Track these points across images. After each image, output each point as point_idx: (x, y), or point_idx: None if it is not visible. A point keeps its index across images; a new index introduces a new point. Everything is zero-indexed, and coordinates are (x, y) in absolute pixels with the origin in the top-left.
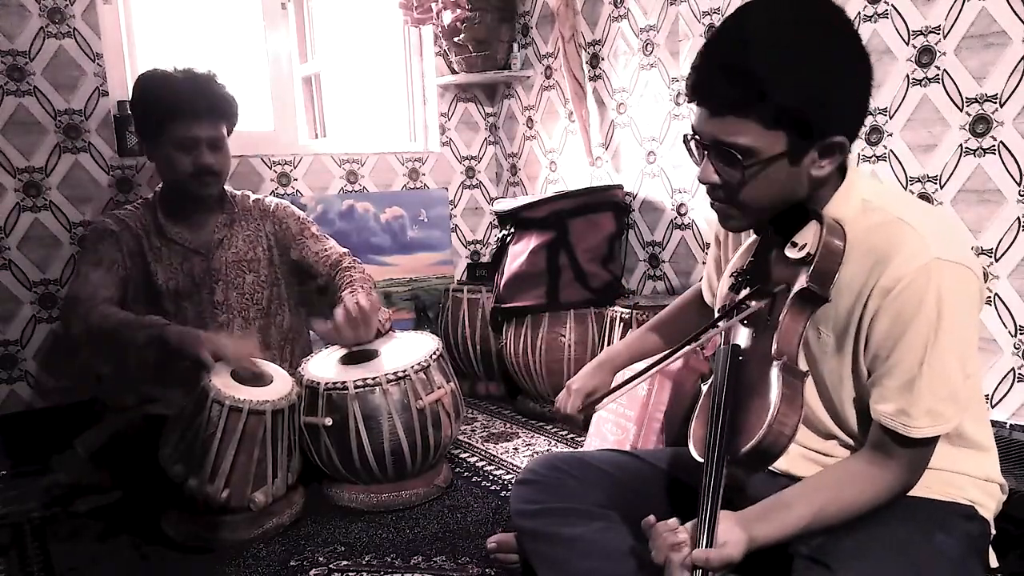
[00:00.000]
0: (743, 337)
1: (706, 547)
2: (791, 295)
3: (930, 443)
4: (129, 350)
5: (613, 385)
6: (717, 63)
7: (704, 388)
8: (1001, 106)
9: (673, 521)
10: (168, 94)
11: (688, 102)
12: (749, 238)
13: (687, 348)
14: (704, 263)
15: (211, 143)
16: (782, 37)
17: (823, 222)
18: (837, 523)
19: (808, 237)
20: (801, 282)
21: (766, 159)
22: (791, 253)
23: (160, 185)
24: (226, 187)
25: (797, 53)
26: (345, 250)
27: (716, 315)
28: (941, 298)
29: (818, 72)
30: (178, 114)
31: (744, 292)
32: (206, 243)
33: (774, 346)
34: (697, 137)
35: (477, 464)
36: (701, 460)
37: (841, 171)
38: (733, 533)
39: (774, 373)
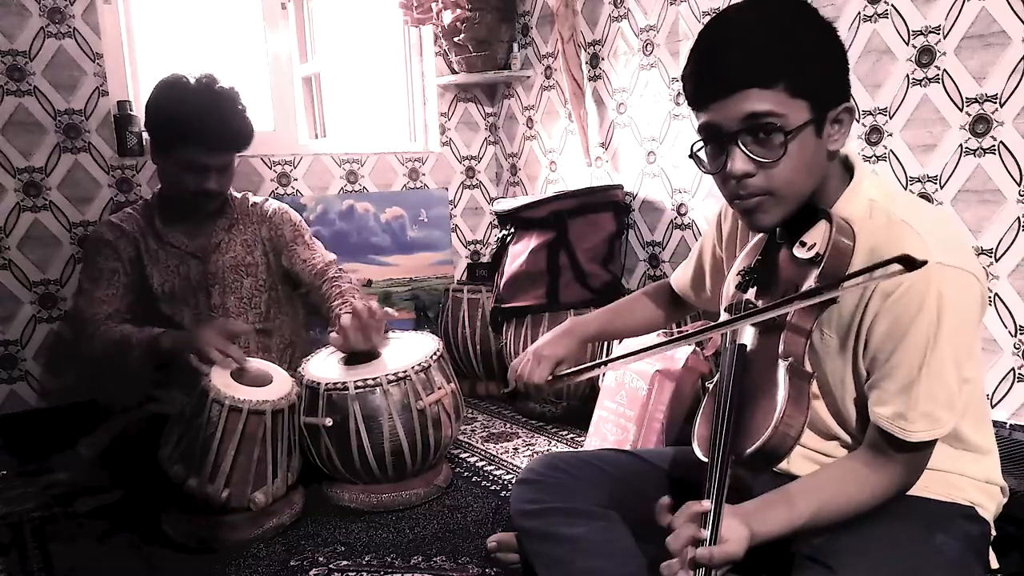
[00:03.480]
0: (749, 336)
1: (710, 546)
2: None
3: (928, 446)
4: (130, 365)
5: (588, 363)
6: (729, 42)
7: (709, 388)
8: (1001, 106)
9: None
10: (188, 115)
11: (694, 103)
12: (755, 237)
13: (677, 340)
14: None
15: (220, 169)
16: (776, 14)
17: (832, 221)
18: (836, 521)
19: (817, 236)
20: (810, 282)
21: (797, 127)
22: (800, 253)
23: (159, 187)
24: None
25: (798, 24)
26: (332, 258)
27: (722, 314)
28: (941, 302)
29: (820, 38)
30: (193, 139)
31: (751, 291)
32: (203, 247)
33: (781, 346)
34: (716, 130)
35: (477, 464)
36: (705, 460)
37: (848, 169)
38: (735, 530)
39: (780, 374)
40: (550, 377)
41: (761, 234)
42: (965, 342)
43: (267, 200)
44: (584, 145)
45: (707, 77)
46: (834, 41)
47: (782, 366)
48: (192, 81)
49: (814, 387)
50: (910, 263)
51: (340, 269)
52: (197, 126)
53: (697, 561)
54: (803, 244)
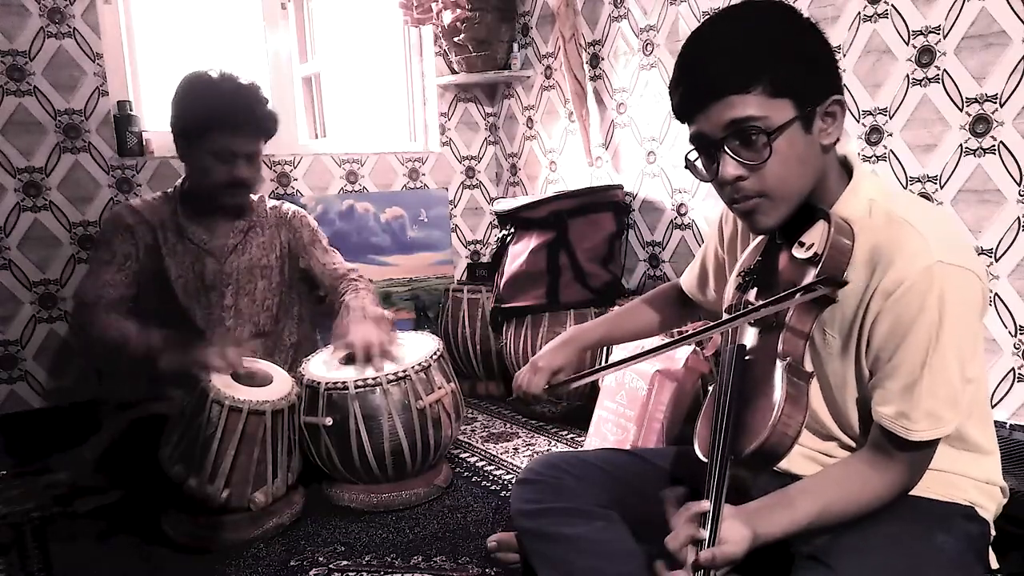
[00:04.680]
0: (749, 337)
1: (710, 547)
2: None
3: (930, 445)
4: (124, 361)
5: (587, 369)
6: (704, 53)
7: (711, 388)
8: (1001, 106)
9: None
10: (214, 103)
11: (680, 116)
12: (756, 239)
13: (675, 343)
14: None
15: (248, 156)
16: (753, 18)
17: (831, 221)
18: (838, 523)
19: (815, 236)
20: (807, 282)
21: (781, 126)
22: (798, 253)
23: (182, 181)
24: None
25: (773, 24)
26: (352, 267)
27: (724, 314)
28: (943, 301)
29: (797, 35)
30: (221, 125)
31: (751, 292)
32: (221, 246)
33: (780, 346)
34: (704, 139)
35: (477, 464)
36: (705, 460)
37: (847, 170)
38: (736, 531)
39: (779, 373)
40: (546, 386)
41: (761, 235)
42: (968, 341)
43: (283, 203)
44: (586, 145)
45: (687, 90)
46: (813, 36)
47: (780, 366)
48: (215, 75)
49: (815, 387)
50: (836, 284)
51: (359, 275)
52: (225, 113)
53: (700, 563)
54: (802, 244)
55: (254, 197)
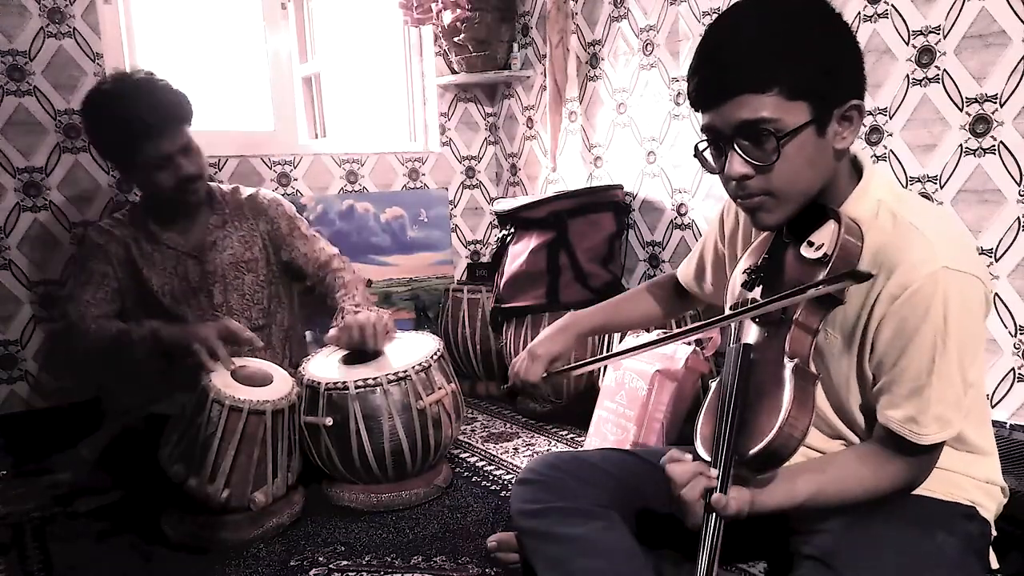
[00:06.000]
0: (753, 335)
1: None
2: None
3: (938, 447)
4: (131, 361)
5: (586, 358)
6: (726, 47)
7: (712, 386)
8: (1001, 106)
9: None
10: (126, 115)
11: (694, 105)
12: (760, 235)
13: (680, 334)
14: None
15: (183, 150)
16: (781, 13)
17: (841, 221)
18: (835, 505)
19: (825, 236)
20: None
21: (795, 129)
22: (807, 252)
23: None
24: (212, 185)
25: (800, 23)
26: (335, 251)
27: (727, 311)
28: (947, 307)
29: (823, 37)
30: (142, 136)
31: (757, 290)
32: (198, 245)
33: (787, 347)
34: (715, 132)
35: (477, 464)
36: (708, 459)
37: (857, 170)
38: (739, 493)
39: (786, 375)
40: (545, 375)
41: (767, 232)
42: (970, 344)
43: (259, 191)
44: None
45: (704, 82)
46: (840, 36)
47: (788, 367)
48: (114, 82)
49: (819, 387)
50: (858, 276)
51: (343, 260)
52: (142, 122)
53: (714, 504)
54: (811, 244)
55: (226, 189)
